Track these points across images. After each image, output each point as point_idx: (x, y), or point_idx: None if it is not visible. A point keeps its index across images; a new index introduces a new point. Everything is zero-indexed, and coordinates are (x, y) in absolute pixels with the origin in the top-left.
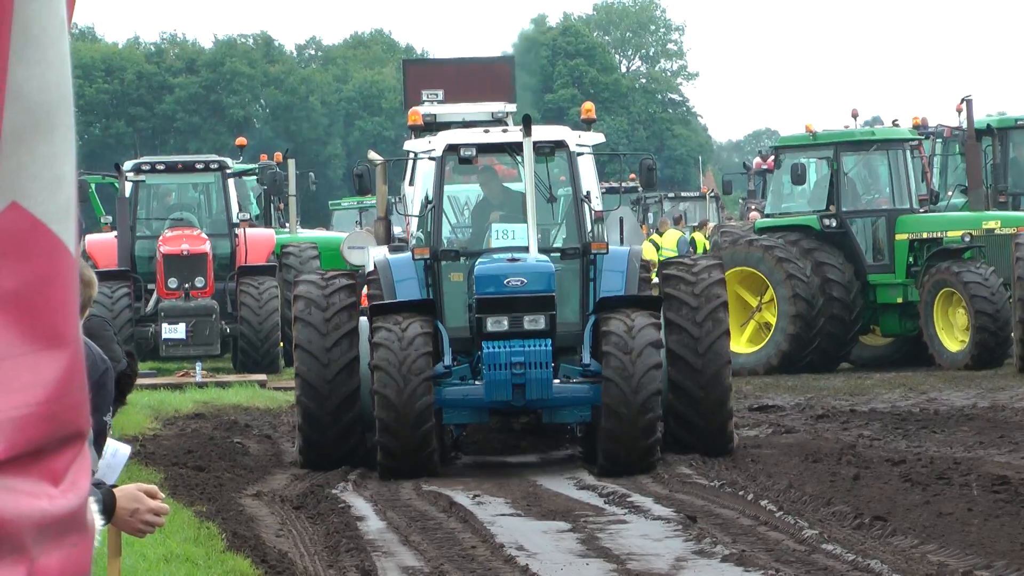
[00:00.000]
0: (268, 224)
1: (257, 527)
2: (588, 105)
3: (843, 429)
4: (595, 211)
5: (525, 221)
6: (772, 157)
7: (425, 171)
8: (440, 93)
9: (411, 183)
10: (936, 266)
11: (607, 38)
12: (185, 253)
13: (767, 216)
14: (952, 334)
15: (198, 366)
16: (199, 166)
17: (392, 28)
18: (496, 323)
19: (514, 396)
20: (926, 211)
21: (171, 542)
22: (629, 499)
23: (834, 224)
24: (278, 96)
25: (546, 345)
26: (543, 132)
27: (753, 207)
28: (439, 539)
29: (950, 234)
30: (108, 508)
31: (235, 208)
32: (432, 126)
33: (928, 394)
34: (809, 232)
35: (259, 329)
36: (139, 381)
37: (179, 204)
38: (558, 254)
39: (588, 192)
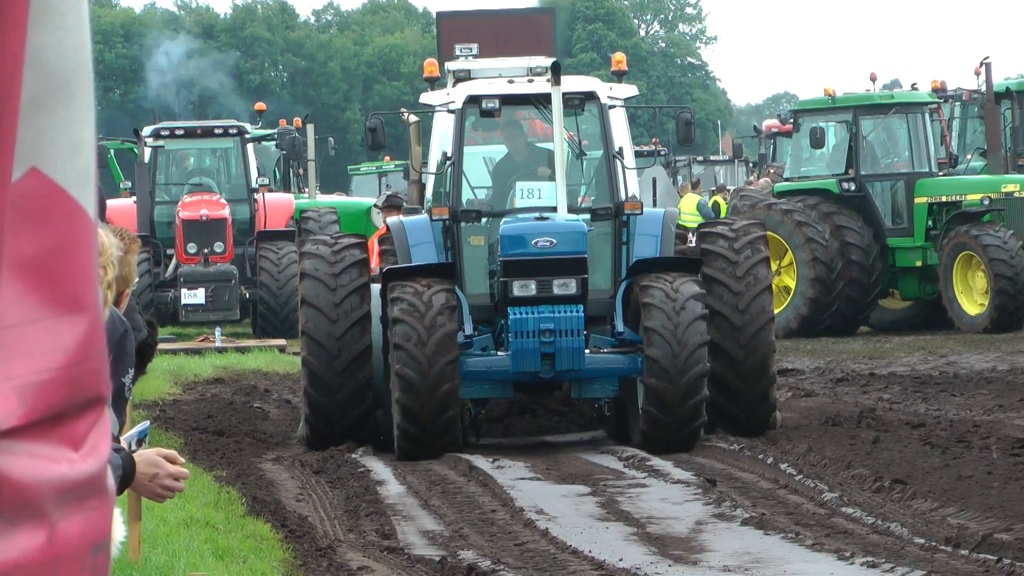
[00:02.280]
0: (287, 189)
1: (277, 491)
2: (619, 56)
3: (863, 392)
4: (628, 168)
5: (553, 179)
6: (791, 121)
7: (443, 126)
8: (475, 47)
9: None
10: (955, 229)
11: (626, 2)
12: (204, 218)
13: (786, 180)
14: (971, 297)
15: (217, 331)
16: (218, 131)
17: None
18: (523, 287)
19: (543, 367)
20: (945, 175)
21: (191, 507)
22: (649, 463)
23: (853, 188)
24: (296, 62)
25: (578, 311)
26: (572, 83)
27: (772, 170)
28: (459, 503)
29: (969, 197)
30: (128, 473)
31: (254, 173)
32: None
33: (947, 357)
34: (828, 196)
35: (278, 294)
36: (159, 346)
37: (198, 169)
38: (588, 215)
39: (620, 148)
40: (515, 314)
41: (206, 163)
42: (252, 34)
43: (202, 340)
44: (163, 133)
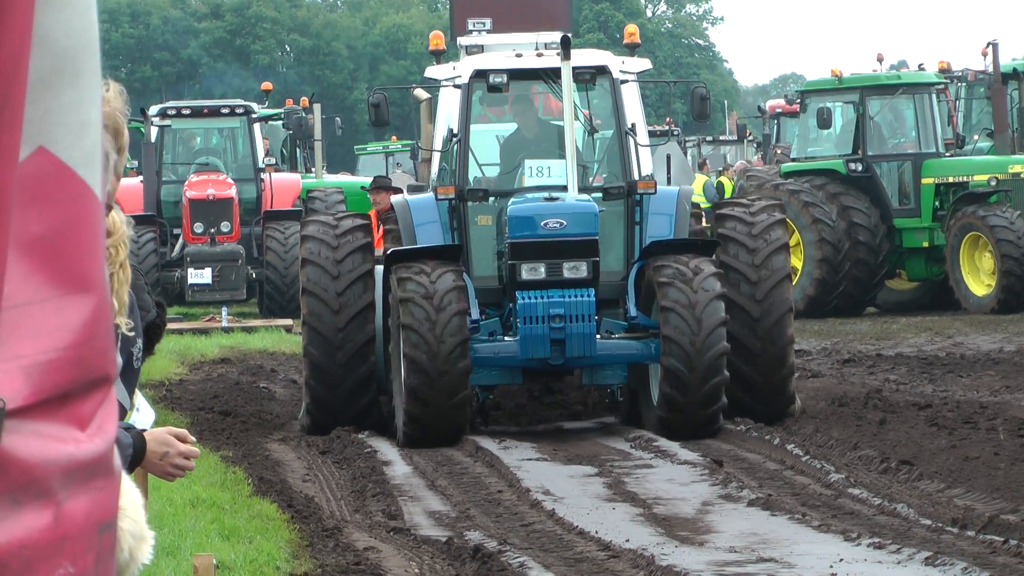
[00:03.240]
0: (294, 169)
1: (283, 472)
2: (631, 28)
3: (869, 373)
4: (641, 146)
5: (562, 156)
6: (797, 101)
7: (449, 101)
8: (488, 22)
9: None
10: (962, 210)
11: None
12: (211, 198)
13: (793, 160)
14: (978, 278)
15: (224, 311)
16: (224, 111)
17: None
18: (532, 270)
19: (552, 353)
20: (952, 155)
21: (197, 487)
22: (655, 443)
23: (860, 168)
24: (302, 42)
25: (589, 295)
26: (583, 57)
27: (779, 151)
28: (465, 484)
29: (976, 178)
30: (138, 451)
31: (261, 153)
32: None
33: (954, 338)
34: (835, 176)
35: (285, 274)
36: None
37: (205, 149)
38: (599, 194)
39: (633, 124)
40: (524, 298)
41: (213, 143)
42: (257, 13)
43: (208, 320)
44: (170, 112)
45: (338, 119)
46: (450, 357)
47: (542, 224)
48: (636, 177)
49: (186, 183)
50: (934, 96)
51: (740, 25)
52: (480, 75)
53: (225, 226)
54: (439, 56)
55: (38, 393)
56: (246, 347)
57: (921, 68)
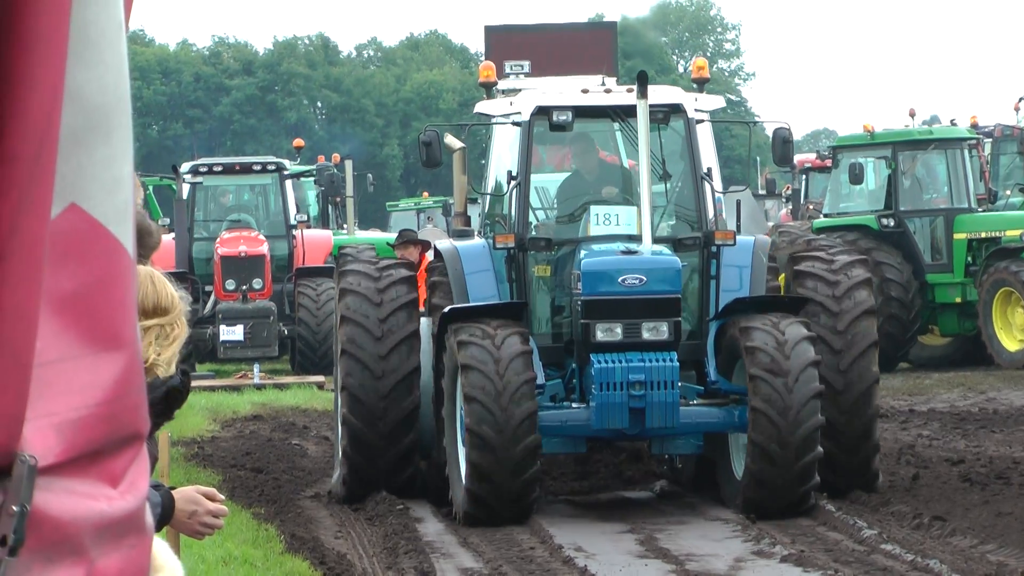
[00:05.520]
0: (325, 225)
1: (315, 529)
2: (701, 62)
3: (902, 429)
4: (716, 191)
5: (631, 203)
6: (829, 157)
7: (505, 139)
8: (526, 65)
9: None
10: (994, 265)
11: (665, 39)
12: (243, 255)
13: (825, 216)
14: (1011, 333)
15: (256, 368)
16: (256, 168)
17: (448, 30)
18: (607, 331)
19: (631, 423)
20: (984, 210)
21: (229, 544)
22: (687, 500)
23: (892, 224)
24: (333, 98)
25: (671, 359)
26: (655, 94)
27: (811, 206)
28: (497, 540)
29: (1008, 233)
30: (167, 510)
31: (292, 209)
32: None
33: (987, 394)
34: (867, 232)
35: (317, 331)
36: (197, 383)
37: (236, 206)
38: (670, 245)
39: (709, 169)
40: (600, 362)
41: (244, 199)
42: (289, 70)
43: (240, 376)
44: (201, 169)
45: (370, 176)
46: (518, 432)
47: (619, 280)
48: (713, 226)
49: (218, 240)
50: (966, 151)
51: (772, 81)
52: (542, 112)
53: (257, 283)
54: (489, 89)
55: (70, 450)
56: (278, 404)
57: (953, 123)
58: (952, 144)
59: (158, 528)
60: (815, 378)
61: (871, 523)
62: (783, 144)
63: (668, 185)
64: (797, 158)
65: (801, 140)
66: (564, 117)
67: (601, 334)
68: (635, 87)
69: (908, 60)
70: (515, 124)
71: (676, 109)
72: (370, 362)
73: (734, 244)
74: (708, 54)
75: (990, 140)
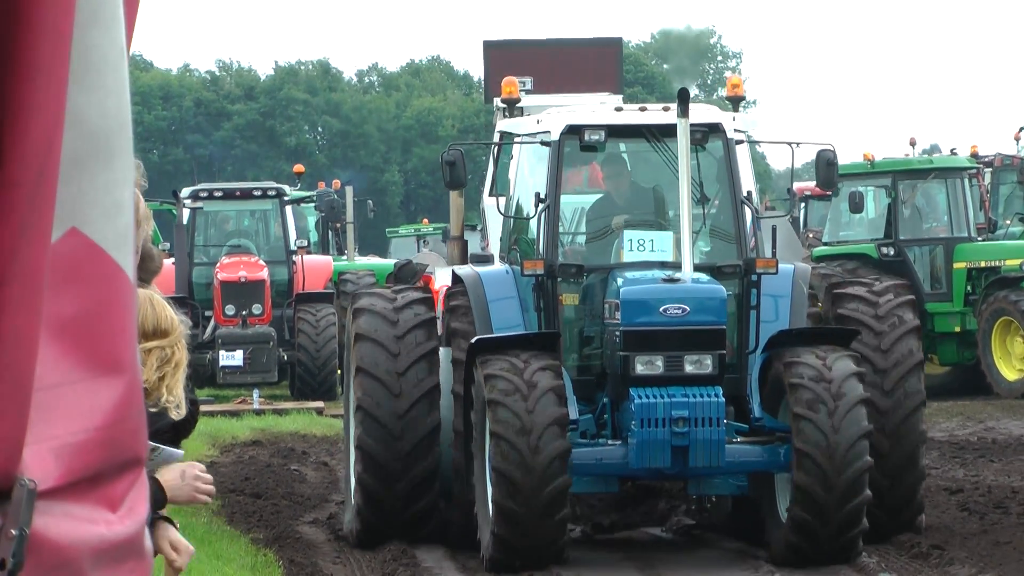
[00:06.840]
0: (325, 251)
1: (314, 555)
2: (736, 79)
3: None
4: (757, 216)
5: (667, 228)
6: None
7: (530, 160)
8: (528, 81)
9: (491, 192)
10: (994, 295)
11: (666, 67)
12: (243, 280)
13: (825, 244)
14: (1010, 363)
15: (255, 393)
16: (257, 193)
17: (451, 57)
18: (648, 364)
19: (672, 461)
20: (984, 240)
21: (228, 570)
22: (694, 530)
23: (892, 252)
24: (333, 124)
25: (717, 395)
26: (693, 113)
27: (811, 235)
28: None
29: (1008, 263)
30: (157, 493)
31: (292, 235)
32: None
33: (986, 423)
34: (867, 260)
35: (316, 356)
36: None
37: (236, 231)
38: (709, 272)
39: (748, 192)
40: (640, 397)
41: (245, 224)
42: (288, 95)
43: (240, 402)
44: (202, 195)
45: (370, 202)
46: (547, 473)
47: (661, 310)
48: (753, 254)
49: (218, 265)
50: (966, 181)
51: (772, 108)
52: (573, 131)
53: (257, 308)
54: (511, 106)
55: (69, 474)
56: (277, 429)
57: (953, 152)
58: (952, 173)
59: (155, 510)
60: (863, 417)
61: (870, 551)
62: (827, 166)
63: (704, 209)
64: (796, 186)
65: (801, 168)
66: (596, 136)
67: (641, 367)
68: (674, 105)
69: (909, 89)
70: (544, 144)
71: (715, 129)
72: (387, 379)
73: (775, 272)
74: (709, 81)
75: (990, 169)
